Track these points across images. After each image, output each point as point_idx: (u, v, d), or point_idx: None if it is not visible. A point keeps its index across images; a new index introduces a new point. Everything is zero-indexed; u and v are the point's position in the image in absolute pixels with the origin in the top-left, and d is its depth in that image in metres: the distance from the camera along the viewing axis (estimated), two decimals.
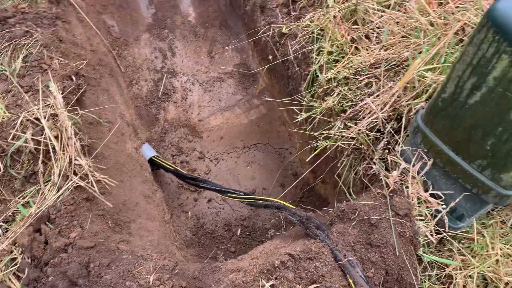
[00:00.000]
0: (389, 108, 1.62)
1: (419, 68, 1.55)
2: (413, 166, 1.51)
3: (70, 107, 1.97)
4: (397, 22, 1.94)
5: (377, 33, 1.93)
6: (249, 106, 3.08)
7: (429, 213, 1.48)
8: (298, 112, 1.88)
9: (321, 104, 1.75)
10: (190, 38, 3.17)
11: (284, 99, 2.09)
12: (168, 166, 2.71)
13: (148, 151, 2.79)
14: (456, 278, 1.45)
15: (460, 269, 1.47)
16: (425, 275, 1.49)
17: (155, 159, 2.76)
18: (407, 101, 1.60)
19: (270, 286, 1.33)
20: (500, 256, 1.49)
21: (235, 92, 3.09)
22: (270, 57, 2.45)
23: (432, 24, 1.83)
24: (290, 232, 1.89)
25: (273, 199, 1.91)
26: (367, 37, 1.96)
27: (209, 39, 3.17)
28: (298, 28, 2.10)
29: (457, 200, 1.42)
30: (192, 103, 3.07)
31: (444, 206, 1.49)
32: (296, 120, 1.86)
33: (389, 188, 1.46)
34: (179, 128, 3.05)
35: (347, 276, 1.32)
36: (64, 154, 1.85)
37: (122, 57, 3.06)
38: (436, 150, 1.41)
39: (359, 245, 1.38)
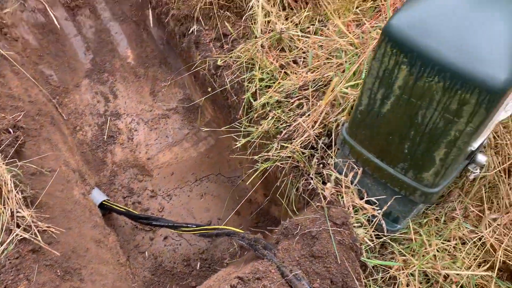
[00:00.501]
0: (319, 125, 1.72)
1: (340, 85, 1.67)
2: (346, 176, 1.59)
3: (8, 159, 1.94)
4: (321, 46, 2.07)
5: (304, 57, 2.05)
6: (197, 139, 3.12)
7: (366, 219, 1.56)
8: (237, 138, 1.95)
9: (257, 128, 1.83)
10: (131, 79, 3.20)
11: (224, 127, 2.15)
12: (120, 209, 2.69)
13: (98, 196, 2.76)
14: (399, 278, 1.52)
15: (402, 269, 1.54)
16: (371, 279, 1.56)
17: (106, 203, 2.73)
18: (334, 117, 1.70)
19: None
20: (437, 251, 1.59)
21: (182, 127, 3.13)
22: (209, 89, 2.53)
23: (351, 44, 1.97)
24: (243, 257, 1.92)
25: (223, 227, 1.94)
26: (295, 62, 2.07)
27: (150, 78, 3.22)
28: (231, 59, 2.20)
29: (389, 203, 1.51)
30: (139, 143, 3.08)
31: (379, 211, 1.58)
32: (236, 146, 1.92)
33: (326, 200, 1.54)
34: (128, 169, 3.04)
35: None
36: (5, 208, 1.81)
37: (63, 105, 3.05)
38: (363, 159, 1.51)
39: (304, 259, 1.44)
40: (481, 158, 1.50)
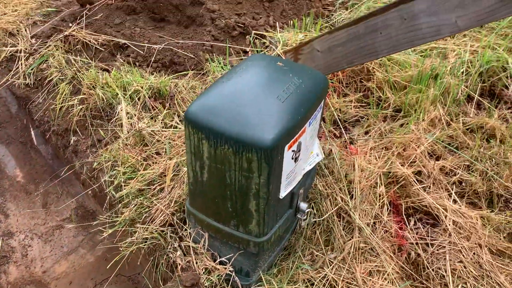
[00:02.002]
0: (174, 204, 1.95)
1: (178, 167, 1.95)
2: (198, 243, 1.80)
3: None
4: (180, 136, 2.38)
5: (165, 149, 2.34)
6: (92, 244, 3.18)
7: (220, 279, 1.75)
8: (103, 230, 2.11)
9: (121, 217, 2.02)
10: (22, 197, 3.28)
11: (95, 222, 2.31)
12: None
13: None
14: None
15: None
16: None
17: None
18: (185, 194, 1.95)
19: None
20: None
21: (76, 235, 3.20)
22: (96, 190, 2.70)
23: None
24: None
25: None
26: (158, 153, 2.35)
27: (42, 192, 3.32)
28: (104, 161, 2.42)
29: (232, 260, 1.72)
30: (34, 258, 3.08)
31: (231, 269, 1.78)
32: (103, 237, 2.07)
33: (179, 267, 1.72)
34: (25, 287, 2.99)
35: None
36: None
37: None
38: (205, 224, 1.74)
39: None
40: (303, 205, 1.81)
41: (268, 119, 1.44)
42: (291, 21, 3.08)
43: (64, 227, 3.24)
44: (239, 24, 3.07)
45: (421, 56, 2.70)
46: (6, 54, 3.38)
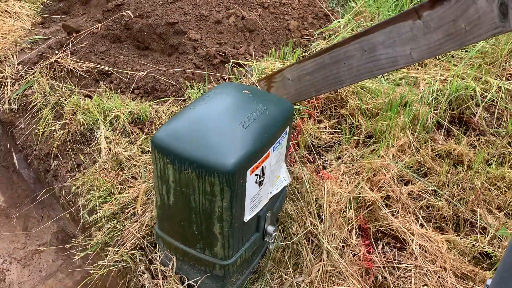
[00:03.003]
0: (145, 228, 1.99)
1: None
2: (166, 266, 1.83)
3: None
4: None
5: (141, 173, 2.38)
6: (72, 268, 3.18)
7: None
8: (75, 252, 2.14)
9: (93, 240, 2.05)
10: (2, 221, 3.29)
11: (67, 246, 2.33)
12: None
13: None
14: None
15: None
16: None
17: None
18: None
19: None
20: None
21: (55, 259, 3.20)
22: (74, 214, 2.72)
23: None
24: None
25: None
26: (134, 177, 2.39)
27: (23, 216, 3.33)
28: (80, 184, 2.46)
29: (199, 282, 1.75)
30: (12, 282, 3.07)
31: None
32: (74, 260, 2.10)
33: None
34: None
35: None
36: None
37: None
38: (172, 247, 1.78)
39: None
40: (270, 229, 1.85)
41: (230, 145, 1.50)
42: (270, 50, 3.19)
43: (43, 251, 3.24)
44: (220, 53, 3.17)
45: (392, 84, 2.80)
46: None
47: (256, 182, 1.63)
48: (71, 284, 3.13)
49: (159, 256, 1.89)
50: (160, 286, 1.79)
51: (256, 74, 2.67)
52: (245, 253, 1.77)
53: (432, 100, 2.69)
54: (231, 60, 2.95)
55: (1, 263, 3.16)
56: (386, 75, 2.92)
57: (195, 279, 1.81)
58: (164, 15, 3.39)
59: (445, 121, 2.64)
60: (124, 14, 3.49)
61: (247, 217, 1.67)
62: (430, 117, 2.60)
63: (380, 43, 1.69)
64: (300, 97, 2.19)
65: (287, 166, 1.93)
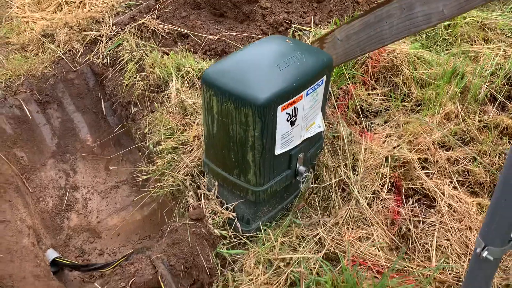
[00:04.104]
0: (197, 160, 2.30)
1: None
2: (210, 191, 2.13)
3: None
4: None
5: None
6: (142, 205, 3.64)
7: (223, 221, 2.06)
8: (140, 175, 2.51)
9: (155, 166, 2.41)
10: (89, 158, 3.84)
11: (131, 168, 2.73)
12: (67, 262, 3.12)
13: (52, 254, 3.21)
14: (245, 267, 1.97)
15: (250, 258, 1.99)
16: (229, 268, 2.00)
17: (58, 260, 3.17)
18: None
19: None
20: (280, 244, 2.05)
21: (129, 195, 3.68)
22: (144, 149, 3.14)
23: None
24: None
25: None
26: (196, 123, 2.72)
27: (105, 156, 3.86)
28: (148, 123, 2.85)
29: (234, 204, 2.02)
30: (92, 210, 3.60)
31: (234, 215, 2.08)
32: (138, 181, 2.48)
33: (190, 206, 2.05)
34: (82, 233, 3.51)
35: (156, 269, 1.82)
36: None
37: (30, 180, 3.64)
38: (215, 173, 2.06)
39: (167, 246, 1.91)
40: (301, 169, 2.06)
41: (264, 82, 1.74)
42: (334, 20, 3.33)
43: (120, 187, 3.74)
44: (286, 21, 3.38)
45: (451, 57, 2.81)
46: (91, 37, 3.99)
47: (287, 121, 1.84)
48: (140, 217, 3.60)
49: (205, 182, 2.20)
50: (203, 207, 2.09)
51: (311, 37, 2.85)
52: (276, 185, 2.00)
53: (489, 74, 2.67)
54: (293, 26, 3.15)
55: (85, 193, 3.71)
56: (446, 48, 2.93)
57: (232, 204, 2.08)
58: None
59: (500, 96, 2.62)
60: None
61: (278, 151, 1.89)
62: (484, 90, 2.59)
63: (417, 0, 1.79)
64: (348, 56, 2.33)
65: (326, 119, 2.11)
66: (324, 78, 1.96)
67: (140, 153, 3.14)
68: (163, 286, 1.74)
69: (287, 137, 1.90)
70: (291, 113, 1.84)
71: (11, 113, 3.72)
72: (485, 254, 1.38)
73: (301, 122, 1.94)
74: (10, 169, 3.45)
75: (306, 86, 1.85)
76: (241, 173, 1.94)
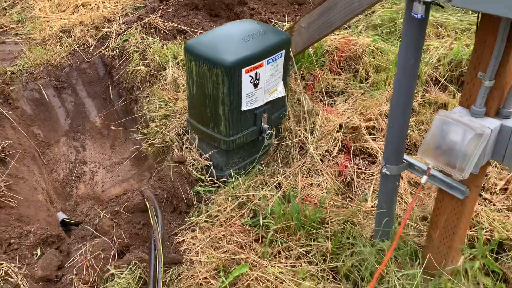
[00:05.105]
0: (184, 122, 2.81)
1: None
2: (191, 144, 2.63)
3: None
4: None
5: None
6: (141, 178, 4.14)
7: (199, 167, 2.55)
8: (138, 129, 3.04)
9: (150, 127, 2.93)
10: (97, 137, 4.37)
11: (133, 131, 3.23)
12: (73, 221, 3.62)
13: (61, 215, 3.71)
14: (217, 201, 2.45)
15: (220, 195, 2.48)
16: (204, 203, 2.48)
17: (66, 220, 3.67)
18: None
19: None
20: (247, 187, 2.53)
21: (130, 169, 4.19)
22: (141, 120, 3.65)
23: None
24: None
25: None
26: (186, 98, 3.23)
27: (111, 136, 4.38)
28: (145, 96, 3.37)
29: (209, 153, 2.52)
30: (98, 181, 4.11)
31: (210, 163, 2.57)
32: (132, 137, 2.99)
33: (174, 153, 2.55)
34: (88, 201, 4.01)
35: (143, 195, 2.32)
36: None
37: (45, 154, 4.17)
38: (196, 128, 2.56)
39: (154, 182, 2.40)
40: (264, 126, 2.56)
41: (231, 50, 2.25)
42: None
43: (122, 163, 4.25)
44: (271, 20, 3.92)
45: None
46: (103, 33, 4.56)
47: (251, 82, 2.34)
48: (138, 187, 4.09)
49: (188, 138, 2.70)
50: (186, 155, 2.59)
51: (285, 28, 3.37)
52: (243, 138, 2.49)
53: (435, 62, 3.16)
54: (273, 21, 3.69)
55: (93, 167, 4.23)
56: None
57: (208, 154, 2.57)
58: None
59: (442, 79, 3.10)
60: None
61: (244, 107, 2.39)
62: (427, 73, 3.08)
63: None
64: (311, 40, 2.84)
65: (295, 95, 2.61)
66: (283, 52, 2.47)
67: (139, 123, 3.64)
68: (148, 205, 2.23)
69: (251, 97, 2.39)
70: (253, 76, 2.34)
71: (31, 96, 4.28)
72: (384, 170, 1.86)
73: (264, 86, 2.44)
74: (29, 142, 3.98)
75: (267, 56, 2.36)
76: (215, 126, 2.44)
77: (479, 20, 1.42)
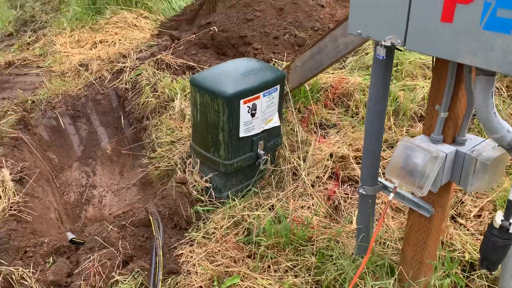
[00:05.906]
0: (188, 148, 3.08)
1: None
2: (194, 168, 2.89)
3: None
4: None
5: None
6: (146, 202, 4.38)
7: (201, 189, 2.80)
8: (143, 158, 3.30)
9: (156, 152, 3.20)
10: (107, 163, 4.66)
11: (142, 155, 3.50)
12: (81, 241, 3.85)
13: (70, 235, 3.95)
14: (214, 219, 2.68)
15: (217, 214, 2.71)
16: (202, 222, 2.72)
17: (74, 239, 3.90)
18: None
19: None
20: (242, 207, 2.76)
21: (137, 194, 4.44)
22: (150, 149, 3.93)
23: None
24: None
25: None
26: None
27: (120, 163, 4.67)
28: (153, 124, 3.67)
29: (208, 176, 2.78)
30: (106, 204, 4.36)
31: (210, 185, 2.83)
32: (143, 162, 3.25)
33: (177, 175, 2.81)
34: (95, 223, 4.25)
35: (148, 211, 2.57)
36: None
37: (58, 177, 4.45)
38: (198, 152, 2.83)
39: (158, 200, 2.66)
40: (260, 152, 2.83)
41: (231, 83, 2.56)
42: None
43: (130, 188, 4.51)
44: (273, 59, 4.27)
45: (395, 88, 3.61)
46: (118, 68, 4.94)
47: (248, 112, 2.63)
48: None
49: (191, 162, 2.96)
50: (188, 177, 2.85)
51: (283, 67, 3.69)
52: (241, 162, 2.75)
53: (419, 99, 3.44)
54: (273, 60, 4.03)
55: (102, 191, 4.49)
56: (393, 82, 3.73)
57: (208, 176, 2.83)
58: (238, 31, 4.61)
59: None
60: (211, 29, 4.80)
61: (242, 134, 2.67)
62: (412, 110, 3.36)
63: (339, 34, 2.62)
64: (304, 78, 3.15)
65: (291, 127, 2.89)
66: (278, 86, 2.77)
67: (147, 148, 3.92)
68: (151, 219, 2.47)
69: (249, 125, 2.68)
70: (251, 106, 2.63)
71: (49, 123, 4.61)
72: (361, 190, 2.10)
73: (260, 116, 2.73)
74: (44, 166, 4.28)
75: (263, 89, 2.66)
76: (215, 151, 2.71)
77: (434, 60, 1.71)
